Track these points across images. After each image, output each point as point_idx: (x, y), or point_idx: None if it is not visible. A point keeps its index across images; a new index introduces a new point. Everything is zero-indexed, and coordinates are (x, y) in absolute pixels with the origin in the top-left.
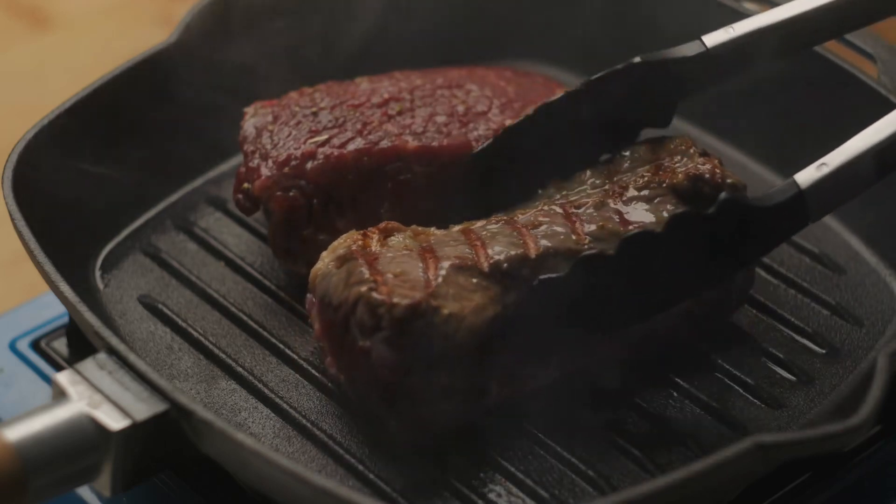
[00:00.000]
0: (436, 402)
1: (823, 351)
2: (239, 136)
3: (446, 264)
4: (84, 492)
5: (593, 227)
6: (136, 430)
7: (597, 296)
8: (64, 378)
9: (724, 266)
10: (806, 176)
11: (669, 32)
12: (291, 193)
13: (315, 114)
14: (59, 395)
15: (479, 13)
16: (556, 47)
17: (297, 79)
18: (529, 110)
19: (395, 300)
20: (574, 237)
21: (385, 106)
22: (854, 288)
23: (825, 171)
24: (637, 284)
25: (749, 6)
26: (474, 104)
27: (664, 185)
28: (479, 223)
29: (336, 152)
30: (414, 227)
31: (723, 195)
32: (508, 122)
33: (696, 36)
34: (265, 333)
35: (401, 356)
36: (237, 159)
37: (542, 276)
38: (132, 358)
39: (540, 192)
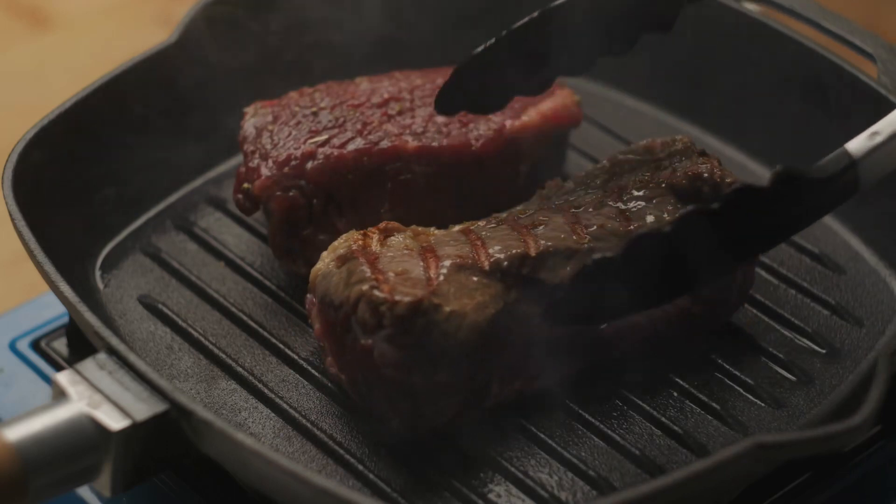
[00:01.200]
0: (437, 401)
1: (823, 351)
2: (239, 136)
3: (447, 263)
4: (84, 492)
5: (593, 226)
6: (136, 430)
7: (649, 274)
8: (64, 378)
9: (775, 237)
10: (858, 145)
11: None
12: (291, 193)
13: (315, 114)
14: (59, 395)
15: (478, 13)
16: None
17: (297, 79)
18: (535, 13)
19: (397, 298)
20: (574, 237)
21: (385, 106)
22: (854, 288)
23: (878, 140)
24: (689, 261)
25: (748, 6)
26: None
27: (664, 184)
28: (479, 223)
29: (336, 152)
30: (414, 227)
31: (779, 167)
32: (509, 122)
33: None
34: (265, 333)
35: (403, 354)
36: (237, 159)
37: (595, 256)
38: (132, 358)
39: (539, 192)
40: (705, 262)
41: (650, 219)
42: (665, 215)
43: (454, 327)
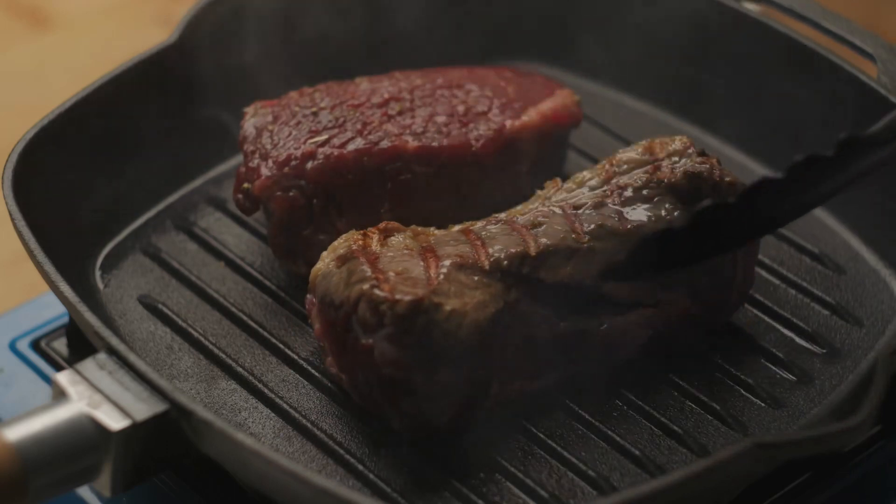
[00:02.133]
0: (438, 400)
1: (823, 351)
2: (239, 136)
3: (447, 262)
4: (84, 492)
5: (592, 226)
6: (136, 430)
7: (716, 240)
8: (64, 378)
9: (830, 196)
10: None
11: (668, 31)
12: (291, 193)
13: (315, 114)
14: (59, 395)
15: (479, 13)
16: (556, 47)
17: (297, 79)
18: None
19: (398, 297)
20: (574, 236)
21: (385, 106)
22: (854, 288)
23: None
24: (754, 225)
25: (748, 6)
26: (474, 104)
27: (663, 184)
28: (479, 223)
29: (336, 152)
30: (414, 227)
31: (842, 135)
32: (509, 122)
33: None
34: (265, 333)
35: (403, 353)
36: (237, 159)
37: (655, 231)
38: (132, 358)
39: (539, 192)
40: (767, 225)
41: (650, 219)
42: (665, 215)
43: (455, 326)
